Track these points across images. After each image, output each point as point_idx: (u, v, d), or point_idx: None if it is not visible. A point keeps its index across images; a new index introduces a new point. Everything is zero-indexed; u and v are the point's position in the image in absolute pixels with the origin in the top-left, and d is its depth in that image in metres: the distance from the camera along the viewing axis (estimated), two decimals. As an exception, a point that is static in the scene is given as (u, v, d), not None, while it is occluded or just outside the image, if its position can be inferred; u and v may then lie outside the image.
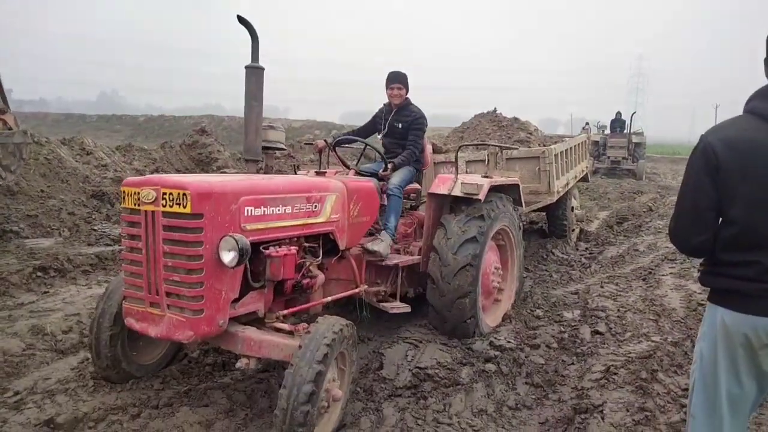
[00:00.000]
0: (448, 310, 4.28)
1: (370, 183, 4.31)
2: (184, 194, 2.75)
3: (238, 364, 3.02)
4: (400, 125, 4.90)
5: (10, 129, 7.00)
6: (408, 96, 4.94)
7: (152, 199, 2.83)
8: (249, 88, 3.54)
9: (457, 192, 4.44)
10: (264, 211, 3.13)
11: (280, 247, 3.22)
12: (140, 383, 3.46)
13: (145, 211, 2.89)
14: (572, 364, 4.05)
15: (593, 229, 9.68)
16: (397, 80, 4.86)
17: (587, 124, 24.48)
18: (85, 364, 3.67)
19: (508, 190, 5.06)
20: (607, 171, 20.52)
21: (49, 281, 5.66)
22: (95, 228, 7.92)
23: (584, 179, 9.10)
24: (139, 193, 2.90)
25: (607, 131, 22.37)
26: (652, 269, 6.66)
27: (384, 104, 5.08)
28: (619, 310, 5.08)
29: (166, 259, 2.84)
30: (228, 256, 2.78)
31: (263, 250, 3.12)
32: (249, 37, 3.47)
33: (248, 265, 3.05)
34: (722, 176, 1.85)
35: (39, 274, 5.64)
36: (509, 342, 4.28)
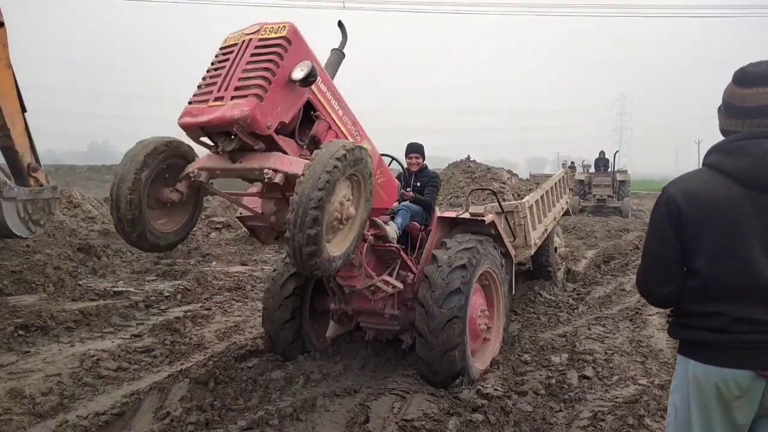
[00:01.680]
0: (439, 363, 4.26)
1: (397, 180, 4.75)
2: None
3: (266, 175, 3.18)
4: (418, 184, 5.50)
5: (42, 185, 7.31)
6: (425, 163, 5.62)
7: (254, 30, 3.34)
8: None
9: (465, 215, 5.03)
10: None
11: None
12: None
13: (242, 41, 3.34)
14: (560, 411, 4.02)
15: (581, 269, 9.72)
16: (415, 151, 5.59)
17: (572, 162, 24.92)
18: (63, 428, 3.59)
19: (495, 240, 5.15)
20: (594, 209, 20.75)
21: (30, 339, 5.54)
22: (80, 282, 7.83)
23: (566, 213, 9.12)
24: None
25: (592, 170, 22.75)
26: (638, 309, 6.68)
27: (405, 168, 5.67)
28: (606, 352, 5.08)
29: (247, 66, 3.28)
30: (300, 73, 3.21)
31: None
32: None
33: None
34: (684, 227, 1.88)
35: (21, 332, 5.54)
36: (496, 389, 4.24)
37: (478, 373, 4.54)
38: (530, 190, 7.76)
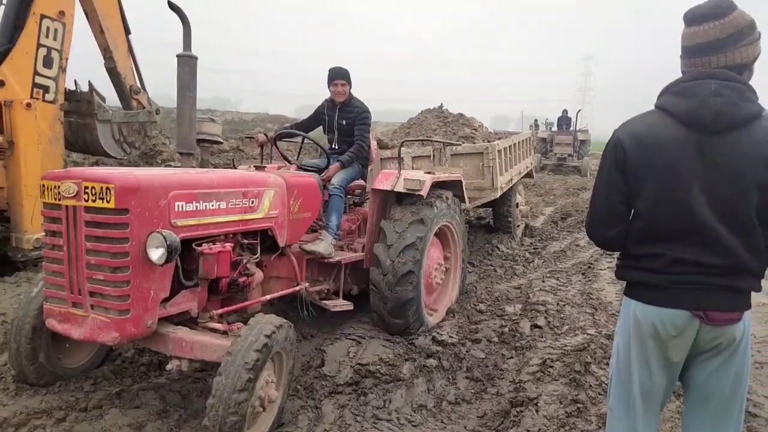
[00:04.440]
0: (393, 316, 4.30)
1: (312, 178, 4.26)
2: (107, 188, 2.63)
3: (168, 366, 2.93)
4: (344, 122, 4.86)
5: (143, 107, 7.48)
6: (351, 92, 4.90)
7: (73, 194, 2.70)
8: (182, 78, 3.44)
9: (399, 188, 4.44)
10: (196, 207, 3.02)
11: (214, 244, 3.13)
12: (69, 385, 3.31)
13: (66, 206, 2.76)
14: (511, 357, 4.14)
15: (538, 225, 9.93)
16: (340, 76, 4.80)
17: (535, 121, 25.06)
18: (7, 367, 3.47)
19: (452, 186, 5.11)
20: (554, 167, 21.09)
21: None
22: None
23: (529, 175, 9.30)
24: (59, 187, 2.76)
25: (555, 128, 22.99)
26: (591, 264, 6.90)
27: (326, 100, 5.01)
28: (558, 303, 5.23)
29: (89, 256, 2.71)
30: (156, 254, 2.68)
31: (196, 248, 3.03)
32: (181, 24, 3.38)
33: (180, 263, 2.96)
34: (628, 170, 1.90)
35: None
36: (451, 337, 4.34)
37: (432, 323, 4.61)
38: (500, 139, 7.78)
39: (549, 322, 4.74)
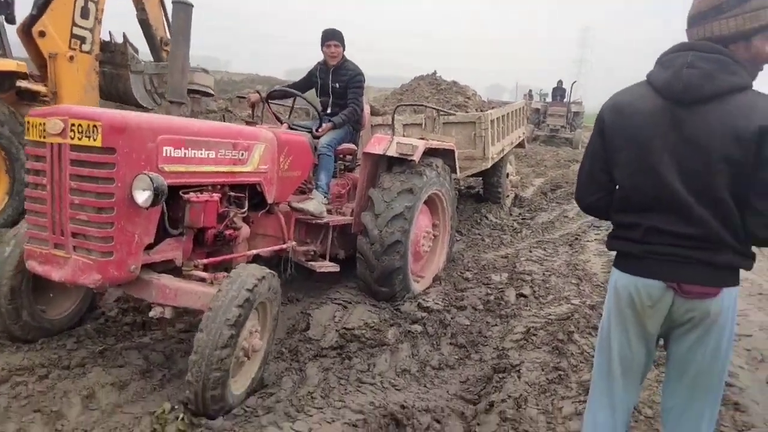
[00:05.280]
0: (379, 284, 4.31)
1: (303, 137, 4.19)
2: (94, 126, 2.55)
3: (151, 313, 2.90)
4: (338, 85, 4.78)
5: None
6: (344, 54, 4.80)
7: (59, 131, 2.62)
8: (177, 25, 3.36)
9: (392, 152, 4.39)
10: (185, 153, 2.96)
11: (201, 193, 3.08)
12: (51, 343, 3.29)
13: (51, 143, 2.68)
14: (495, 325, 4.18)
15: (528, 196, 9.94)
16: (333, 37, 4.71)
17: (529, 91, 24.89)
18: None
19: (443, 155, 5.07)
20: (546, 138, 21.04)
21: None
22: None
23: (520, 146, 9.26)
24: (44, 124, 2.67)
25: (549, 99, 22.83)
26: (578, 235, 6.93)
27: (319, 62, 4.91)
28: (544, 273, 5.27)
29: (72, 196, 2.66)
30: (142, 196, 2.62)
31: (183, 195, 2.97)
32: None
33: (166, 210, 2.91)
34: (607, 139, 1.95)
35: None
36: (437, 304, 4.36)
37: (418, 290, 4.63)
38: (493, 108, 7.70)
39: (534, 291, 4.78)
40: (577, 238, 6.77)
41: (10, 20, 5.88)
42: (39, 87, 5.79)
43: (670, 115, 1.79)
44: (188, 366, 2.56)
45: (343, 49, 4.77)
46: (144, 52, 7.48)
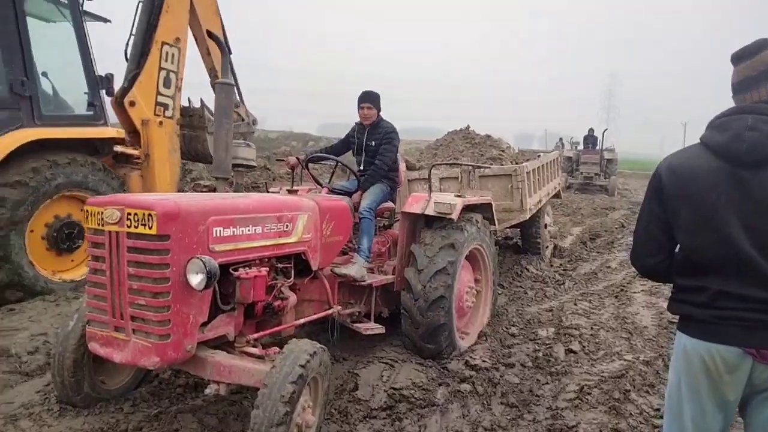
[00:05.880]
0: (425, 341, 4.28)
1: (343, 201, 4.30)
2: (149, 215, 2.68)
3: (207, 390, 2.95)
4: (373, 143, 4.91)
5: (243, 120, 8.18)
6: (380, 114, 4.95)
7: (116, 220, 2.76)
8: (219, 105, 3.53)
9: (430, 211, 4.43)
10: (233, 232, 3.06)
11: (250, 269, 3.16)
12: (109, 406, 3.35)
13: (109, 231, 2.82)
14: (547, 383, 4.07)
15: (567, 246, 9.81)
16: (367, 100, 4.86)
17: (560, 140, 24.89)
18: (51, 387, 3.53)
19: (481, 209, 5.10)
20: (580, 186, 20.86)
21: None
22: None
23: (557, 196, 9.23)
24: (102, 213, 2.82)
25: (581, 147, 22.79)
26: (624, 286, 6.77)
27: (356, 123, 5.07)
28: (592, 327, 5.15)
29: (131, 281, 2.76)
30: (196, 279, 2.71)
31: (233, 272, 3.06)
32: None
33: (217, 288, 2.99)
34: (665, 201, 1.95)
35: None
36: (484, 361, 4.29)
37: (464, 347, 4.58)
38: (527, 160, 7.76)
39: (584, 347, 4.66)
40: (622, 289, 6.62)
41: (110, 93, 6.50)
42: (133, 151, 6.55)
43: (732, 176, 1.79)
44: None
45: (377, 111, 4.91)
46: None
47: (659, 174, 1.97)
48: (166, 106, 6.82)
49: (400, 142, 5.11)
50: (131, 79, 6.52)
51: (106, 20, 6.93)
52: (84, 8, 6.29)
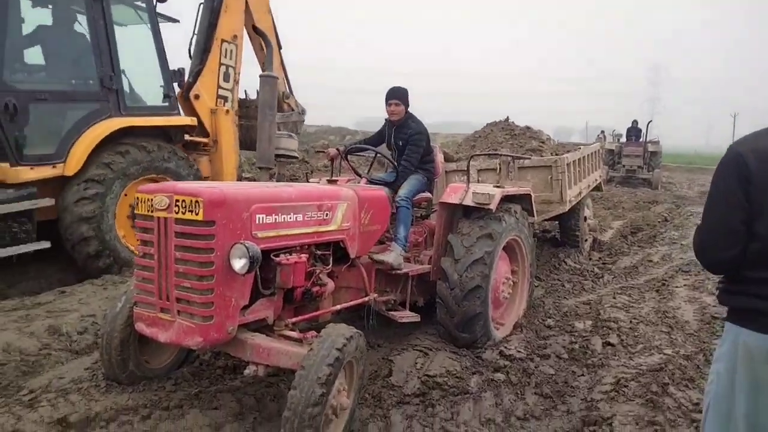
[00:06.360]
0: (460, 330, 4.30)
1: (382, 191, 4.34)
2: (196, 201, 2.79)
3: (246, 371, 3.05)
4: (401, 142, 4.83)
5: (293, 110, 8.91)
6: (409, 111, 4.83)
7: (165, 206, 2.89)
8: (264, 97, 3.61)
9: (468, 201, 4.42)
10: (275, 219, 3.16)
11: (290, 255, 3.25)
12: (152, 384, 3.50)
13: (158, 217, 2.94)
14: (582, 375, 4.03)
15: (607, 239, 9.59)
16: (394, 97, 4.74)
17: (602, 132, 24.31)
18: (99, 365, 3.71)
19: (520, 200, 5.06)
20: (622, 180, 20.33)
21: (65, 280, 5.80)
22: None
23: (597, 188, 9.05)
24: (152, 200, 2.95)
25: (623, 140, 22.19)
26: (665, 281, 6.60)
27: (386, 119, 5.00)
28: (631, 321, 5.05)
29: (177, 265, 2.88)
30: (239, 264, 2.81)
31: (274, 258, 3.16)
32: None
33: (258, 273, 3.08)
34: (753, 188, 1.83)
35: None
36: (519, 352, 4.27)
37: (499, 337, 4.56)
38: (568, 152, 7.63)
39: (622, 340, 4.58)
40: (664, 284, 6.45)
41: (181, 86, 7.28)
42: (202, 139, 7.29)
43: None
44: (282, 422, 2.65)
45: (406, 108, 4.78)
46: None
47: (744, 160, 1.84)
48: (225, 99, 7.50)
49: (438, 135, 5.06)
50: (195, 75, 7.23)
51: (175, 20, 7.53)
52: (156, 10, 6.91)
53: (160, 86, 6.89)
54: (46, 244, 5.55)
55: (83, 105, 6.06)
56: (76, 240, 5.68)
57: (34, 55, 6.06)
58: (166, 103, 6.88)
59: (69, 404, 3.22)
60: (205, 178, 7.14)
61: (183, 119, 6.94)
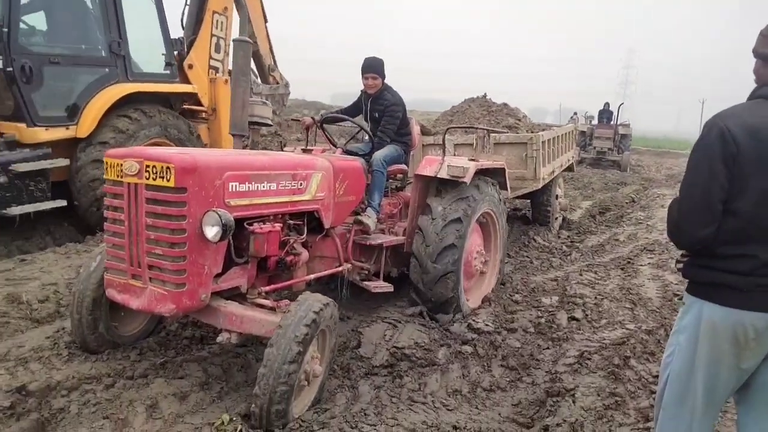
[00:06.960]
0: (430, 288, 4.32)
1: (357, 162, 4.30)
2: (167, 167, 2.71)
3: (219, 338, 3.02)
4: (376, 114, 4.78)
5: (277, 83, 9.19)
6: (385, 82, 4.76)
7: (135, 172, 2.80)
8: (237, 63, 3.54)
9: (443, 174, 4.42)
10: (249, 187, 3.10)
11: (264, 224, 3.21)
12: (116, 354, 3.44)
13: (128, 183, 2.86)
14: (547, 348, 4.11)
15: (576, 218, 9.77)
16: (371, 69, 4.65)
17: (575, 114, 24.54)
18: (60, 334, 3.63)
19: (494, 174, 5.08)
20: (593, 161, 20.64)
21: (26, 248, 5.62)
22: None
23: (569, 169, 9.16)
24: (122, 165, 2.86)
25: (595, 122, 22.45)
26: (630, 259, 6.75)
27: (361, 91, 4.91)
28: (596, 297, 5.15)
29: (148, 232, 2.82)
30: (211, 231, 2.76)
31: (247, 226, 3.11)
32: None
33: (232, 241, 3.03)
34: (738, 165, 1.79)
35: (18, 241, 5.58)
36: (487, 325, 4.33)
37: (468, 309, 4.61)
38: (543, 131, 7.69)
39: (587, 315, 4.68)
40: (629, 262, 6.60)
41: (182, 54, 7.47)
42: (201, 107, 7.48)
43: None
44: (257, 379, 2.64)
45: (382, 80, 4.71)
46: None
47: (732, 135, 1.78)
48: (216, 69, 7.78)
49: (413, 112, 5.04)
50: (189, 45, 7.52)
51: None
52: None
53: (162, 54, 7.01)
54: (62, 203, 5.74)
55: (93, 69, 6.27)
56: (89, 201, 5.88)
57: (46, 21, 6.17)
58: (168, 71, 7.03)
59: (29, 372, 3.15)
60: (204, 146, 7.22)
61: (186, 87, 7.16)
